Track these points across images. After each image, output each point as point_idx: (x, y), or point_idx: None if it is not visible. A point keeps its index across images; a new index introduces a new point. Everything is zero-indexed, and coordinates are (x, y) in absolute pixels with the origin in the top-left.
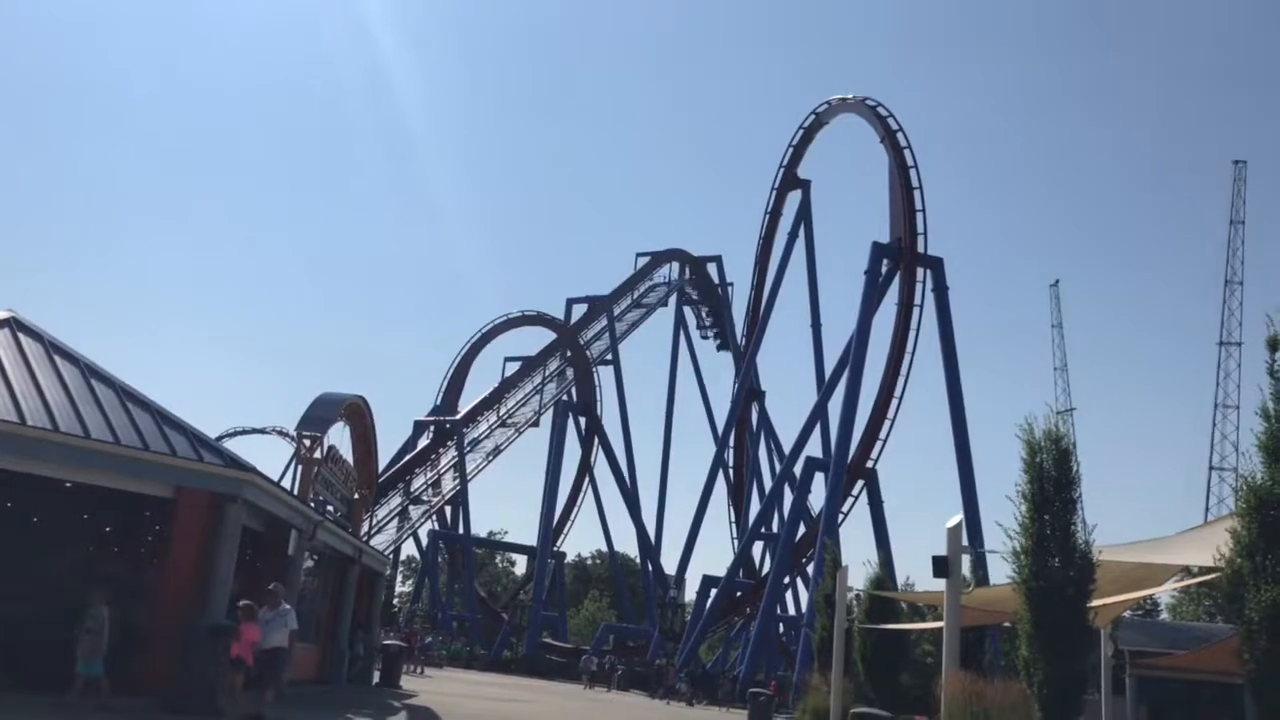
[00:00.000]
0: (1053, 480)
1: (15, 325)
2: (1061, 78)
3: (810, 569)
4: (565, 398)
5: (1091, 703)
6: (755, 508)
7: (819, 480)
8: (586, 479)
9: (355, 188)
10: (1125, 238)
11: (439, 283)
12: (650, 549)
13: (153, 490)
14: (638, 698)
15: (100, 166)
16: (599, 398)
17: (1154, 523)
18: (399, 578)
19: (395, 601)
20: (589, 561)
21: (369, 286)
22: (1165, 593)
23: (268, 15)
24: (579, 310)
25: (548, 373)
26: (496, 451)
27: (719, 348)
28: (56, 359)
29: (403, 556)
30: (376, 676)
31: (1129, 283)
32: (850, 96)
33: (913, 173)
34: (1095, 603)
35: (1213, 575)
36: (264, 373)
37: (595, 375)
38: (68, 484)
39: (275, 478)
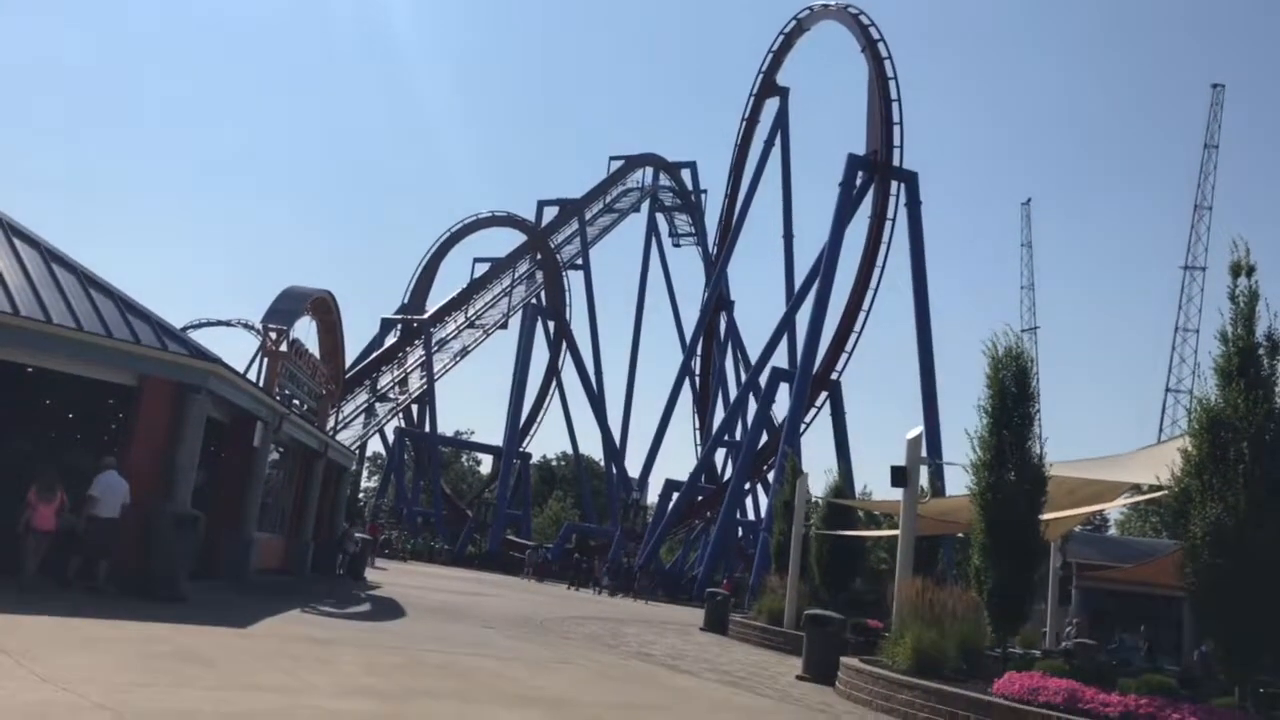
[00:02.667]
0: (1013, 396)
1: None
2: None
3: (771, 476)
4: (534, 301)
5: (1038, 611)
6: (720, 415)
7: (783, 390)
8: (554, 382)
9: (326, 81)
10: (1098, 159)
11: (408, 180)
12: (615, 452)
13: (116, 378)
14: (581, 592)
15: (57, 52)
16: (568, 302)
17: (1109, 441)
18: (365, 473)
19: (360, 496)
20: (554, 463)
21: (336, 181)
22: (1115, 509)
23: None
24: (550, 213)
25: (517, 275)
26: (464, 352)
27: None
28: (16, 241)
29: (369, 453)
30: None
31: (1100, 204)
32: (832, 3)
33: (892, 84)
34: (1047, 516)
35: (1161, 493)
36: (229, 266)
37: (565, 279)
38: (29, 369)
39: (241, 370)
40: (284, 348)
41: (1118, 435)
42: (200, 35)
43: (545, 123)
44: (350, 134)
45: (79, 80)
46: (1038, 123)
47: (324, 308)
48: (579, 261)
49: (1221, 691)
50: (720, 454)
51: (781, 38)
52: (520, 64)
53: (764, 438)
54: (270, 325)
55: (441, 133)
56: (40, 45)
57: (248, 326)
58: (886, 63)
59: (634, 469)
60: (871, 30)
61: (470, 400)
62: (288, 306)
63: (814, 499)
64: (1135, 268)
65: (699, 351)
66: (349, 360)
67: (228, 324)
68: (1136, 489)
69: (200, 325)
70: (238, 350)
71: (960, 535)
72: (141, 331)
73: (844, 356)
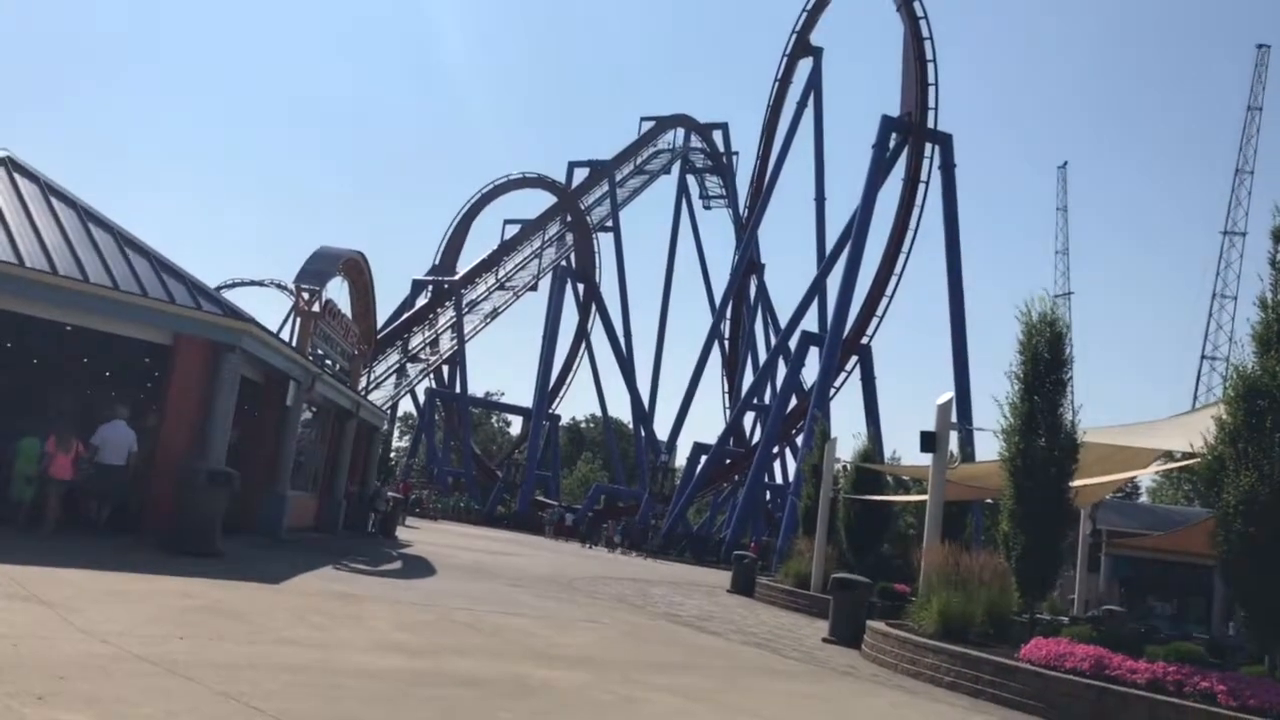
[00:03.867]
0: (1045, 362)
1: (11, 165)
2: None
3: (799, 440)
4: (564, 263)
5: (1067, 578)
6: (749, 379)
7: (813, 354)
8: (583, 344)
9: (358, 41)
10: (1137, 122)
11: (440, 141)
12: (643, 415)
13: (151, 337)
14: (593, 549)
15: (89, 11)
16: (598, 264)
17: (1142, 407)
18: (396, 433)
19: (392, 456)
20: (583, 425)
21: (368, 142)
22: (1146, 476)
23: None
24: (580, 174)
25: (547, 237)
26: (494, 314)
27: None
28: (53, 201)
29: (400, 413)
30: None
31: (1137, 168)
32: None
33: (927, 44)
34: (1077, 482)
35: (1194, 460)
36: (262, 226)
37: (595, 241)
38: (67, 327)
39: (274, 330)
40: (316, 308)
41: (1151, 402)
42: None
43: (576, 83)
44: (382, 95)
45: (110, 41)
46: (1075, 85)
47: (356, 268)
48: (609, 223)
49: (1251, 660)
50: (749, 417)
51: None
52: (551, 23)
53: (793, 402)
54: (303, 285)
55: (473, 93)
56: (72, 4)
57: (281, 287)
58: (922, 22)
59: (662, 432)
60: None
61: (500, 362)
62: (320, 267)
63: (843, 463)
64: (1173, 233)
65: (728, 315)
66: (380, 321)
67: (261, 284)
68: (1169, 456)
69: (234, 285)
70: (271, 310)
71: (989, 501)
72: (176, 291)
73: (875, 321)
